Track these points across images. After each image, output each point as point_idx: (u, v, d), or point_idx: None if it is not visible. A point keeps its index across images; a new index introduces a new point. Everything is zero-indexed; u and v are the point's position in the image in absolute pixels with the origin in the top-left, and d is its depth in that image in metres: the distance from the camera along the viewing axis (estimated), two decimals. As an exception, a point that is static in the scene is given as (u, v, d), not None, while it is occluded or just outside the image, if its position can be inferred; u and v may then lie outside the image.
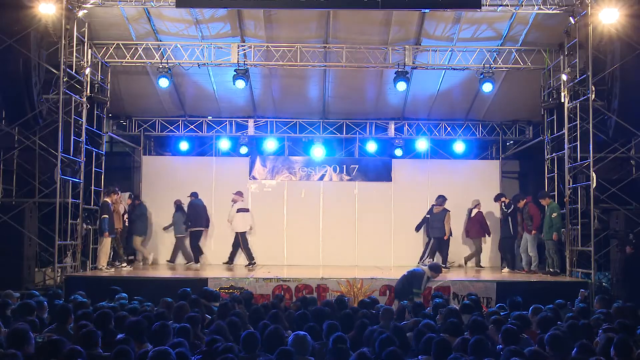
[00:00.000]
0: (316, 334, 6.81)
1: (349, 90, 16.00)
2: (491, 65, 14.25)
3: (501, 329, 6.48)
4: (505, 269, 14.35)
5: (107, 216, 13.46)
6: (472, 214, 15.69)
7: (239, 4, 12.46)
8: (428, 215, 15.72)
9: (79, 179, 13.07)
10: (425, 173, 16.84)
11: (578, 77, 12.89)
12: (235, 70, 14.02)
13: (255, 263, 15.06)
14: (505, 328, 6.45)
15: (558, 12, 12.67)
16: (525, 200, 14.36)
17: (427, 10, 12.90)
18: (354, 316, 7.82)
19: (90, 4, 12.60)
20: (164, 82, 14.31)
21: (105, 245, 13.57)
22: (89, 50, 13.61)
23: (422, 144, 16.97)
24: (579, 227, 12.78)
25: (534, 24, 13.55)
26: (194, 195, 15.46)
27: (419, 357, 5.99)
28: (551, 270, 13.32)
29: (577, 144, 12.84)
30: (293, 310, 8.76)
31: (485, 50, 14.29)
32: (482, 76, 14.23)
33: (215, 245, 16.06)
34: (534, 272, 13.66)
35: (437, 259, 15.03)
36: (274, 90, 16.01)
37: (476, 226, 15.58)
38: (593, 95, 12.14)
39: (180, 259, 15.88)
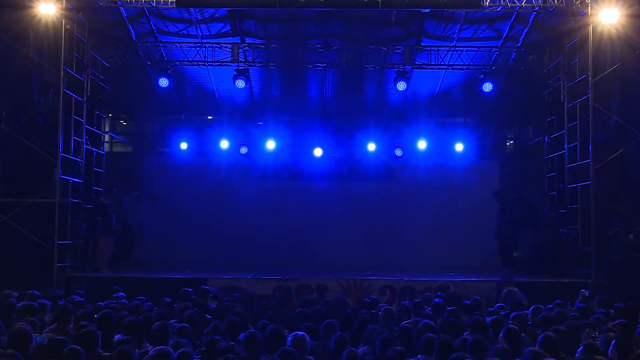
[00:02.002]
0: (315, 334, 6.80)
1: (349, 90, 15.99)
2: (491, 65, 14.25)
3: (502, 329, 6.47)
4: None
5: (100, 218, 13.53)
6: None
7: (238, 4, 12.46)
8: None
9: (79, 179, 13.06)
10: (425, 173, 16.81)
11: (578, 77, 12.89)
12: (235, 70, 14.02)
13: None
14: (505, 328, 6.44)
15: (558, 12, 12.67)
16: None
17: (427, 10, 12.90)
18: (354, 316, 7.82)
19: (91, 4, 12.59)
20: (164, 82, 14.32)
21: (104, 246, 13.57)
22: (89, 50, 13.60)
23: (422, 144, 16.94)
24: (579, 227, 12.76)
25: (534, 24, 13.55)
26: None
27: (419, 356, 5.99)
28: (551, 270, 13.30)
29: (577, 144, 12.84)
30: (293, 310, 8.75)
31: (485, 50, 14.29)
32: (482, 76, 14.22)
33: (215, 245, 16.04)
34: None
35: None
36: (273, 90, 16.01)
37: None
38: (593, 95, 12.15)
39: None
